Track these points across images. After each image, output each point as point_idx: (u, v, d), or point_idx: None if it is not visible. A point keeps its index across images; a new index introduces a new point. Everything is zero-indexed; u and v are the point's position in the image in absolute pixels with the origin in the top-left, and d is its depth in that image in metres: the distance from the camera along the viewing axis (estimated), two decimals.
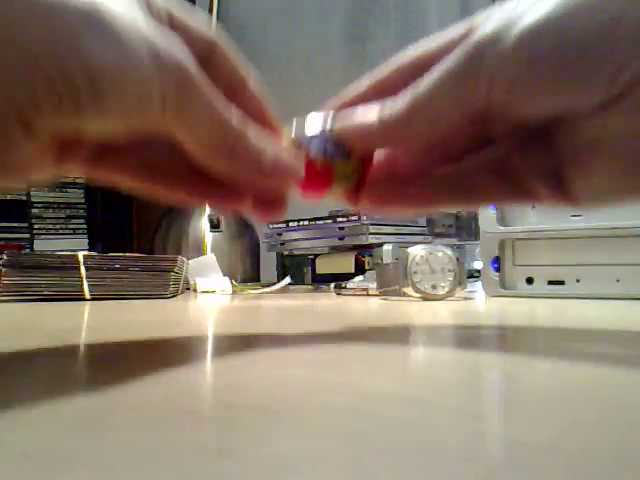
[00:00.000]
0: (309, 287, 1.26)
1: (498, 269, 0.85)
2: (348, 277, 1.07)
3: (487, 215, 0.85)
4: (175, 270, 1.01)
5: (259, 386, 0.26)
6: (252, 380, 0.27)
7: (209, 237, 1.47)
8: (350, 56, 1.62)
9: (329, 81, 1.66)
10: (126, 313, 0.71)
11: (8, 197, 1.66)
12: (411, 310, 0.67)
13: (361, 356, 0.34)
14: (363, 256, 1.20)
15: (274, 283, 1.20)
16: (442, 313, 0.63)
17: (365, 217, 1.19)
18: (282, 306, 0.78)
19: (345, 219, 1.22)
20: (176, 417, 0.20)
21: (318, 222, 1.26)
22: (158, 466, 0.15)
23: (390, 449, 0.16)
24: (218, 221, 1.47)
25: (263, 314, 0.68)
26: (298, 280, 1.30)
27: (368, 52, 1.59)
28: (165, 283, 0.98)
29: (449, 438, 0.17)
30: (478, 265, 1.15)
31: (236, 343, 0.41)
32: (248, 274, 1.51)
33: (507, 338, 0.42)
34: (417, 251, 0.80)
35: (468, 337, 0.43)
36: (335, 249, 1.26)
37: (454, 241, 1.34)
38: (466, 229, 1.38)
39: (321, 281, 1.25)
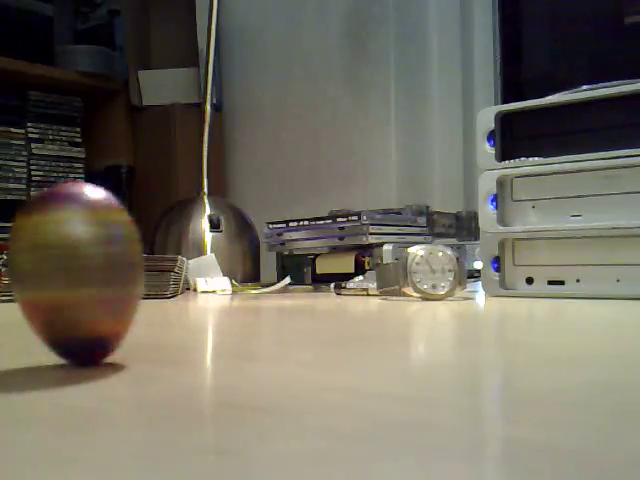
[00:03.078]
0: (309, 287, 1.26)
1: (498, 269, 0.85)
2: (348, 277, 1.07)
3: (487, 215, 0.85)
4: (175, 270, 1.01)
5: (259, 386, 0.26)
6: (252, 380, 0.27)
7: (209, 237, 1.47)
8: (350, 56, 1.62)
9: (329, 81, 1.66)
10: None
11: (8, 197, 1.66)
12: (411, 310, 0.67)
13: (361, 356, 0.34)
14: (363, 256, 1.20)
15: (274, 283, 1.20)
16: (442, 313, 0.63)
17: (365, 217, 1.19)
18: (282, 306, 0.78)
19: (345, 219, 1.22)
20: (176, 417, 0.20)
21: (318, 222, 1.26)
22: (158, 466, 0.15)
23: (390, 449, 0.16)
24: (218, 221, 1.47)
25: (263, 314, 0.68)
26: (298, 280, 1.30)
27: (368, 52, 1.59)
28: (165, 283, 0.98)
29: (449, 438, 0.17)
30: (478, 265, 1.15)
31: (236, 343, 0.41)
32: (248, 274, 1.51)
33: (507, 338, 0.42)
34: (417, 251, 0.80)
35: (468, 337, 0.43)
36: (335, 249, 1.26)
37: (454, 241, 1.34)
38: (466, 229, 1.38)
39: (321, 281, 1.25)
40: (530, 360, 0.32)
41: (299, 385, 0.26)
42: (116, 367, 0.32)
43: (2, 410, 0.22)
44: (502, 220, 0.84)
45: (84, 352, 0.32)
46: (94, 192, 0.31)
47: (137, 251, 0.31)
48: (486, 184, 0.85)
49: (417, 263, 0.79)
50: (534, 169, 0.82)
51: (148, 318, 0.64)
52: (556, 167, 0.80)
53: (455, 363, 0.31)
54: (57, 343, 0.31)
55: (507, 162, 0.84)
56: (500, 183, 0.84)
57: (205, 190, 1.52)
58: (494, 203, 0.84)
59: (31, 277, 0.29)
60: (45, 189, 0.31)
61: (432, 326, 0.51)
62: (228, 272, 1.30)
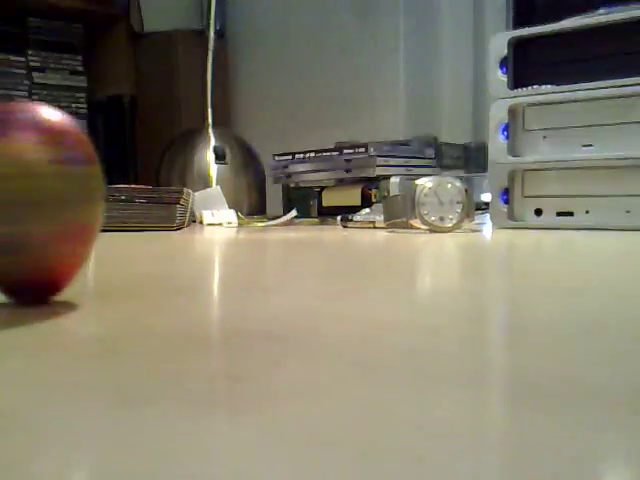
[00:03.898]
0: (315, 220, 1.25)
1: (507, 201, 0.84)
2: (354, 210, 1.07)
3: (497, 145, 0.83)
4: (181, 202, 1.00)
5: (271, 316, 0.26)
6: (263, 310, 0.27)
7: (214, 169, 1.46)
8: (360, 30, 1.56)
9: (336, 6, 1.60)
10: (133, 245, 0.71)
11: None
12: (419, 242, 0.67)
13: (371, 287, 0.34)
14: (370, 189, 1.19)
15: (280, 216, 1.20)
16: (450, 245, 0.62)
17: (372, 149, 1.17)
18: (289, 239, 0.78)
19: (352, 151, 1.20)
20: (190, 345, 0.20)
21: (324, 154, 1.25)
22: (174, 393, 0.15)
23: (403, 376, 0.16)
24: (223, 153, 1.45)
25: (271, 247, 0.68)
26: (304, 213, 1.30)
27: (377, 28, 1.53)
28: (171, 215, 0.98)
29: (458, 365, 0.17)
30: (486, 197, 1.14)
31: (245, 275, 0.41)
32: (254, 207, 1.51)
33: (514, 269, 0.42)
34: (425, 183, 0.79)
35: (475, 268, 0.43)
36: (341, 182, 1.25)
37: (462, 173, 1.33)
38: (474, 161, 1.37)
39: (327, 214, 1.25)
40: (536, 290, 0.31)
41: (310, 314, 0.26)
42: (127, 297, 0.32)
43: (20, 342, 0.22)
44: (513, 150, 0.83)
45: (30, 288, 0.28)
46: (46, 112, 0.28)
47: (94, 176, 0.28)
48: (498, 113, 0.83)
49: (425, 195, 0.79)
50: (547, 97, 0.80)
51: (156, 250, 0.64)
52: (569, 95, 0.78)
53: (462, 293, 0.31)
54: (1, 278, 0.28)
55: (519, 90, 0.82)
56: (512, 112, 0.82)
57: (210, 121, 1.50)
58: (505, 133, 0.83)
59: None
60: None
61: (440, 258, 0.51)
62: (234, 204, 1.30)
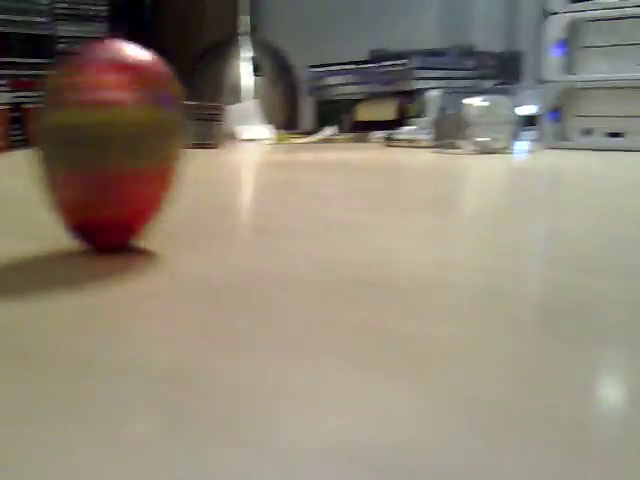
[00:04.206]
0: (349, 135, 1.23)
1: (557, 120, 0.82)
2: (389, 124, 1.05)
3: (551, 62, 0.80)
4: (219, 119, 0.99)
5: (375, 262, 0.26)
6: (364, 253, 0.27)
7: (251, 82, 1.41)
8: None
9: None
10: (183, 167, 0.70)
11: (33, 32, 1.60)
12: (472, 164, 0.66)
13: (456, 228, 0.34)
14: (407, 103, 1.16)
15: (315, 131, 1.18)
16: (501, 167, 0.62)
17: (411, 60, 1.13)
18: (333, 159, 0.78)
19: (389, 63, 1.17)
20: (314, 294, 0.21)
21: (360, 66, 1.21)
22: (326, 346, 0.16)
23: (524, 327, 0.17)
24: (260, 65, 1.41)
25: (319, 170, 0.67)
26: (337, 127, 1.27)
27: None
28: (210, 132, 0.97)
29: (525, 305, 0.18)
30: (525, 111, 1.11)
31: (318, 209, 0.41)
32: (287, 121, 1.48)
33: (561, 196, 0.42)
34: (475, 102, 0.78)
35: (533, 196, 0.43)
36: (377, 95, 1.22)
37: (496, 83, 1.28)
38: (508, 70, 1.32)
39: (361, 128, 1.23)
40: (585, 217, 0.31)
41: (411, 259, 0.26)
42: (213, 237, 0.32)
43: (155, 287, 0.23)
44: (567, 68, 0.80)
45: (111, 231, 0.28)
46: (135, 52, 0.27)
47: (177, 118, 0.28)
48: (554, 28, 0.79)
49: (475, 115, 0.77)
50: (607, 13, 0.76)
51: (209, 173, 0.64)
52: (631, 10, 0.75)
53: (548, 236, 0.31)
54: (85, 222, 0.27)
55: (578, 5, 0.78)
56: (570, 27, 0.79)
57: (243, 29, 1.44)
58: (561, 49, 0.80)
59: (73, 145, 0.26)
60: (84, 47, 0.27)
61: (495, 183, 0.51)
62: (267, 118, 1.28)
